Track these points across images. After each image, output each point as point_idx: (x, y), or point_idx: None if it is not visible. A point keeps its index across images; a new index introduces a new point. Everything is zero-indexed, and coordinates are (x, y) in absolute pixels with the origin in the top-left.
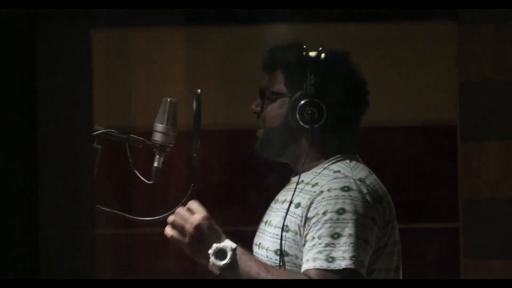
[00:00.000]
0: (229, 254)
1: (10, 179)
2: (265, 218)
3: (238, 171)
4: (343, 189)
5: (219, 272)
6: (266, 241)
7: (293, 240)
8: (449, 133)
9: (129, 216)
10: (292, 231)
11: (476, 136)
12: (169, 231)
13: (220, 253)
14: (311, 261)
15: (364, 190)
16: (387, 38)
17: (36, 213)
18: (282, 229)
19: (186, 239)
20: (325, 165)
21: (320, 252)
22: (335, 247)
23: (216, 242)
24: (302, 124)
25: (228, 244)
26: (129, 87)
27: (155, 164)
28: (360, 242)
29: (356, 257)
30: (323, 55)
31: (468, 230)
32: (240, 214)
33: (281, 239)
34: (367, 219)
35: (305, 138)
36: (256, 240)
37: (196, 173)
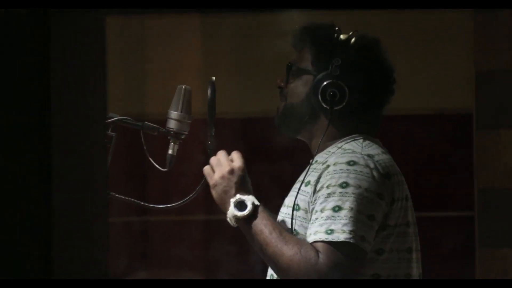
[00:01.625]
0: (249, 207)
1: (25, 166)
2: (284, 200)
3: (252, 159)
4: (348, 163)
5: (235, 224)
6: (282, 222)
7: (304, 218)
8: (464, 122)
9: (144, 204)
10: (302, 209)
11: (491, 125)
12: (206, 167)
13: (241, 205)
14: (312, 234)
15: (371, 165)
16: (402, 26)
17: (50, 200)
18: (293, 208)
19: (216, 178)
20: (339, 145)
21: (321, 225)
22: (335, 219)
23: (241, 194)
24: (322, 104)
25: (251, 198)
26: (143, 74)
27: (170, 151)
28: (361, 217)
29: (355, 232)
30: (353, 39)
31: (483, 219)
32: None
33: (292, 218)
34: (371, 193)
35: (325, 118)
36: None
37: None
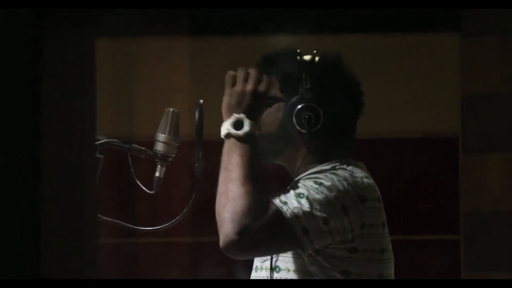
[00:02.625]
0: (245, 127)
1: (13, 188)
2: None
3: None
4: (329, 170)
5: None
6: None
7: None
8: (451, 145)
9: (131, 226)
10: None
11: (478, 149)
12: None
13: (237, 124)
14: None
15: (350, 181)
16: (390, 50)
17: (38, 222)
18: None
19: (230, 91)
20: (323, 167)
21: (277, 194)
22: (292, 200)
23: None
24: (298, 128)
25: (252, 124)
26: (132, 96)
27: (157, 174)
28: (316, 215)
29: (301, 220)
30: (317, 59)
31: (469, 243)
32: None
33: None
34: (338, 202)
35: (302, 142)
36: None
37: (198, 183)
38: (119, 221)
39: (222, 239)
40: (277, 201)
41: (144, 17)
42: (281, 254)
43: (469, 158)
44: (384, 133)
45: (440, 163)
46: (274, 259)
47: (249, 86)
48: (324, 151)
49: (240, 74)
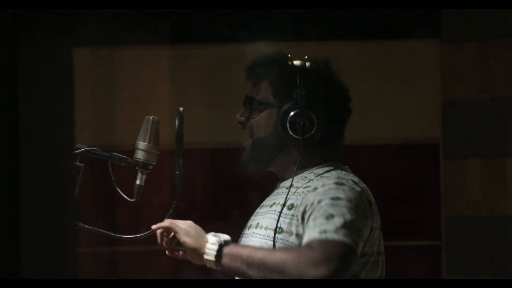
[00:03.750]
0: (227, 236)
1: None
2: (251, 223)
3: (220, 189)
4: (336, 183)
5: (215, 259)
6: (255, 243)
7: (286, 241)
8: (432, 152)
9: (112, 234)
10: (286, 232)
11: (458, 155)
12: (168, 252)
13: (217, 237)
14: (306, 239)
15: (357, 188)
16: (370, 56)
17: (17, 230)
18: (275, 231)
19: (184, 227)
20: (315, 171)
21: (314, 230)
22: (328, 224)
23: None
24: (292, 134)
25: (220, 236)
26: (111, 105)
27: (138, 182)
28: (353, 225)
29: (349, 235)
30: (308, 64)
31: (450, 248)
32: (222, 231)
33: (274, 241)
34: (360, 209)
35: (294, 147)
36: (243, 242)
37: (179, 191)
38: (99, 229)
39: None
40: (317, 236)
41: (124, 25)
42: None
43: (450, 163)
44: (365, 139)
45: (421, 169)
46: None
47: (186, 221)
48: (315, 155)
49: (169, 224)
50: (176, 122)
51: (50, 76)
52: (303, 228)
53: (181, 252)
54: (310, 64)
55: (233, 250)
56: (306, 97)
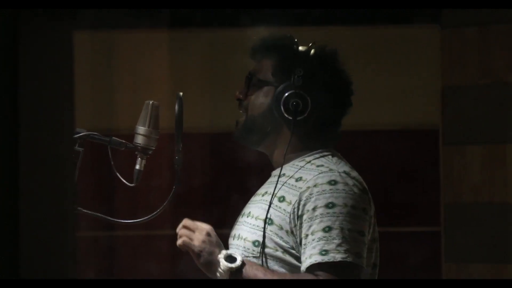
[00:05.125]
0: (239, 258)
1: None
2: (244, 210)
3: (220, 174)
4: (330, 183)
5: (229, 277)
6: (245, 231)
7: (275, 233)
8: (431, 137)
9: (111, 219)
10: (276, 225)
11: (458, 140)
12: (179, 241)
13: (230, 258)
14: (308, 258)
15: (350, 183)
16: (369, 41)
17: (17, 215)
18: (265, 222)
19: (198, 245)
20: (307, 159)
21: (314, 247)
22: (327, 240)
23: (225, 250)
24: (285, 114)
25: (233, 252)
26: (111, 89)
27: (137, 166)
28: (353, 234)
29: (350, 250)
30: (313, 50)
31: (449, 234)
32: (222, 217)
33: (264, 231)
34: (357, 210)
35: (287, 129)
36: (233, 232)
37: (178, 175)
38: (99, 214)
39: None
40: (318, 259)
41: (124, 9)
42: (268, 255)
43: (449, 149)
44: (364, 125)
45: (420, 155)
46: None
47: (202, 233)
48: (306, 140)
49: (184, 232)
50: (176, 106)
51: (50, 60)
52: (300, 233)
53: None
54: (316, 49)
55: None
56: (304, 80)
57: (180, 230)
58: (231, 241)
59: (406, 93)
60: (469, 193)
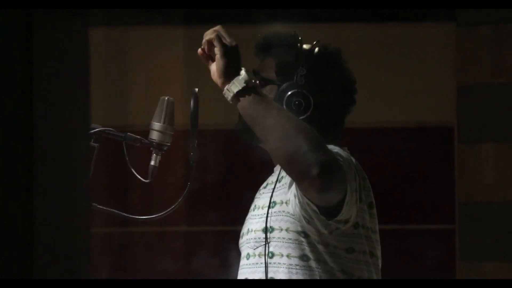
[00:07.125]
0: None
1: (6, 177)
2: (250, 207)
3: (235, 171)
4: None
5: (234, 94)
6: (253, 224)
7: (279, 212)
8: (446, 135)
9: (126, 215)
10: (278, 203)
11: (473, 139)
12: (212, 34)
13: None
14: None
15: (353, 160)
16: (384, 39)
17: (31, 211)
18: (269, 207)
19: (229, 41)
20: None
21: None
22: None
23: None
24: None
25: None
26: (126, 85)
27: (152, 162)
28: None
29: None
30: (317, 49)
31: (463, 232)
32: (236, 214)
33: (267, 215)
34: (351, 170)
35: None
36: (242, 231)
37: (193, 172)
38: (113, 210)
39: (317, 166)
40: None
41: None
42: (275, 239)
43: (464, 148)
44: (379, 122)
45: (435, 153)
46: (268, 244)
47: (233, 41)
48: None
49: (216, 33)
50: (191, 102)
51: (66, 56)
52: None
53: (210, 61)
54: (319, 48)
55: (257, 95)
56: (307, 78)
57: (210, 31)
58: (240, 241)
59: (421, 91)
60: (483, 191)
